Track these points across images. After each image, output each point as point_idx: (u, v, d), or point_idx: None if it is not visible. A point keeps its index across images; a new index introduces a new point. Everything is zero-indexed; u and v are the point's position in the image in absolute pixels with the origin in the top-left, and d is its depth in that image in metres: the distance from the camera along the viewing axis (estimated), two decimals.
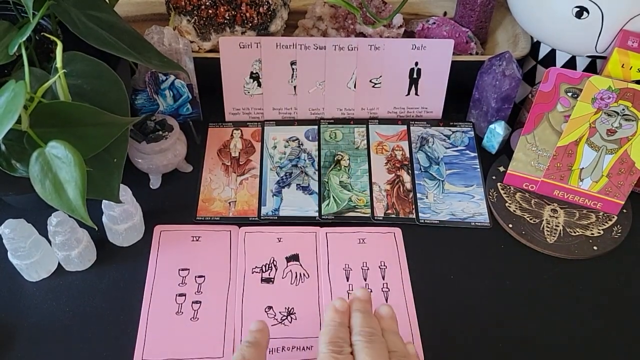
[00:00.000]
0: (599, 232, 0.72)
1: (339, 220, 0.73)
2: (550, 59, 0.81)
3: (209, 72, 0.79)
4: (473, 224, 0.73)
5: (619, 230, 0.73)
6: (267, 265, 0.69)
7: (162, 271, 0.68)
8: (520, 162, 0.75)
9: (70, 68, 0.55)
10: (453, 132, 0.83)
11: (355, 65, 0.80)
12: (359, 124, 0.83)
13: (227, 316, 0.64)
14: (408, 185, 0.77)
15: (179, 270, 0.68)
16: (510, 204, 0.75)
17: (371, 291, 0.67)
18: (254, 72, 0.80)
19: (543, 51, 0.81)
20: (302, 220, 0.73)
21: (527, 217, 0.74)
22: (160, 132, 0.72)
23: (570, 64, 0.79)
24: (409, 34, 0.88)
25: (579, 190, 0.74)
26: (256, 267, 0.68)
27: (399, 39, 0.84)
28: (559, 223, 0.73)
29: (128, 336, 0.62)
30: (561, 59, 0.79)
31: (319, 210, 0.74)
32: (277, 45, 0.78)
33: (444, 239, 0.72)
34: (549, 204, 0.75)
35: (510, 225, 0.73)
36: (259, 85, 0.81)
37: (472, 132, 0.83)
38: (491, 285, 0.68)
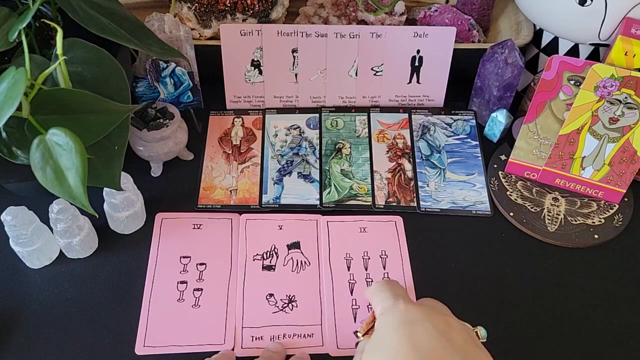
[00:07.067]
0: (600, 221, 0.72)
1: (340, 208, 0.73)
2: (553, 47, 0.80)
3: (209, 59, 0.79)
4: (474, 212, 0.73)
5: (620, 219, 0.73)
6: (268, 253, 0.69)
7: (164, 259, 0.68)
8: (521, 150, 0.75)
9: (71, 55, 0.55)
10: (455, 120, 0.83)
11: (357, 53, 0.79)
12: (361, 112, 0.83)
13: (229, 303, 0.65)
14: (409, 174, 0.77)
15: (181, 257, 0.68)
16: (511, 192, 0.75)
17: (372, 281, 0.67)
18: (255, 59, 0.80)
19: (546, 39, 0.81)
20: (303, 208, 0.73)
21: (529, 205, 0.74)
22: (161, 120, 0.72)
23: (573, 51, 0.78)
24: (410, 22, 0.87)
25: (580, 179, 0.74)
26: (257, 254, 0.69)
27: (401, 26, 0.83)
28: (560, 211, 0.73)
29: (129, 323, 0.63)
30: (564, 46, 0.79)
31: (320, 199, 0.74)
32: (278, 33, 0.78)
33: (445, 228, 0.72)
34: (550, 193, 0.75)
35: (512, 214, 0.73)
36: (260, 73, 0.81)
37: (474, 121, 0.82)
38: (492, 273, 0.68)
